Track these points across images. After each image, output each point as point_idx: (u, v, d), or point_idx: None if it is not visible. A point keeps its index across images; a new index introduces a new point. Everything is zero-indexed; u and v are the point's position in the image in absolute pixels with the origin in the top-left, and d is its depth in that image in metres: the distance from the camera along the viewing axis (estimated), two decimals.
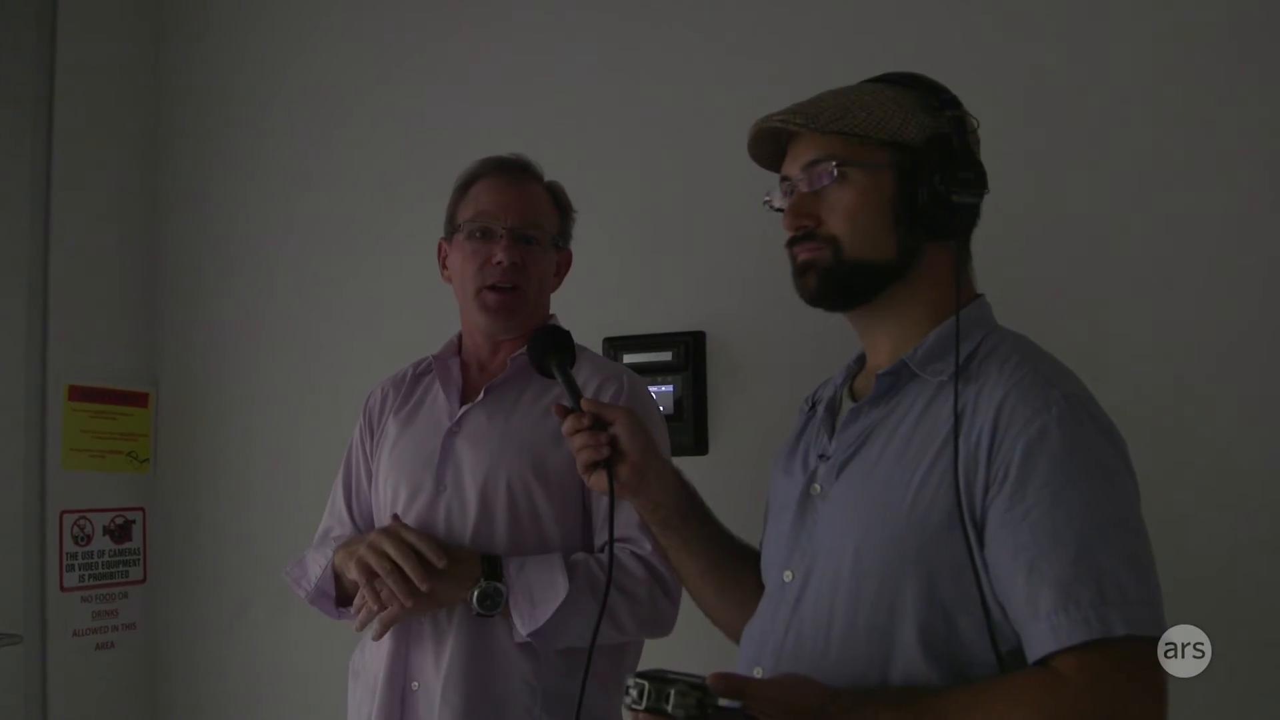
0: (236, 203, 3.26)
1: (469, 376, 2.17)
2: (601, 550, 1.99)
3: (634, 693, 1.28)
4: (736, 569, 1.68)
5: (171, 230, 3.32)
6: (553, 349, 1.73)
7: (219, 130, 3.30)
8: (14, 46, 2.95)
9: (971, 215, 1.48)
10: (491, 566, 1.93)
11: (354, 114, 3.14)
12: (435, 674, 1.98)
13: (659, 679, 1.28)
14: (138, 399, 3.23)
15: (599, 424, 1.60)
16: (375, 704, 2.03)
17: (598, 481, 1.61)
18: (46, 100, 3.02)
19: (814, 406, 1.62)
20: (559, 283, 2.19)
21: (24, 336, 2.94)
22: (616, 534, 1.91)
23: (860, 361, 1.60)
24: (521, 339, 2.09)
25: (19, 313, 2.93)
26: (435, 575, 1.91)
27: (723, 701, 1.27)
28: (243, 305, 3.23)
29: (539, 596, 1.89)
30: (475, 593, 1.91)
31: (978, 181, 1.45)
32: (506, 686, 1.97)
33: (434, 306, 2.94)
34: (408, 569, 1.90)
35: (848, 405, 1.55)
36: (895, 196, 1.47)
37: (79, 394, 3.06)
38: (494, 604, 1.91)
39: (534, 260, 2.09)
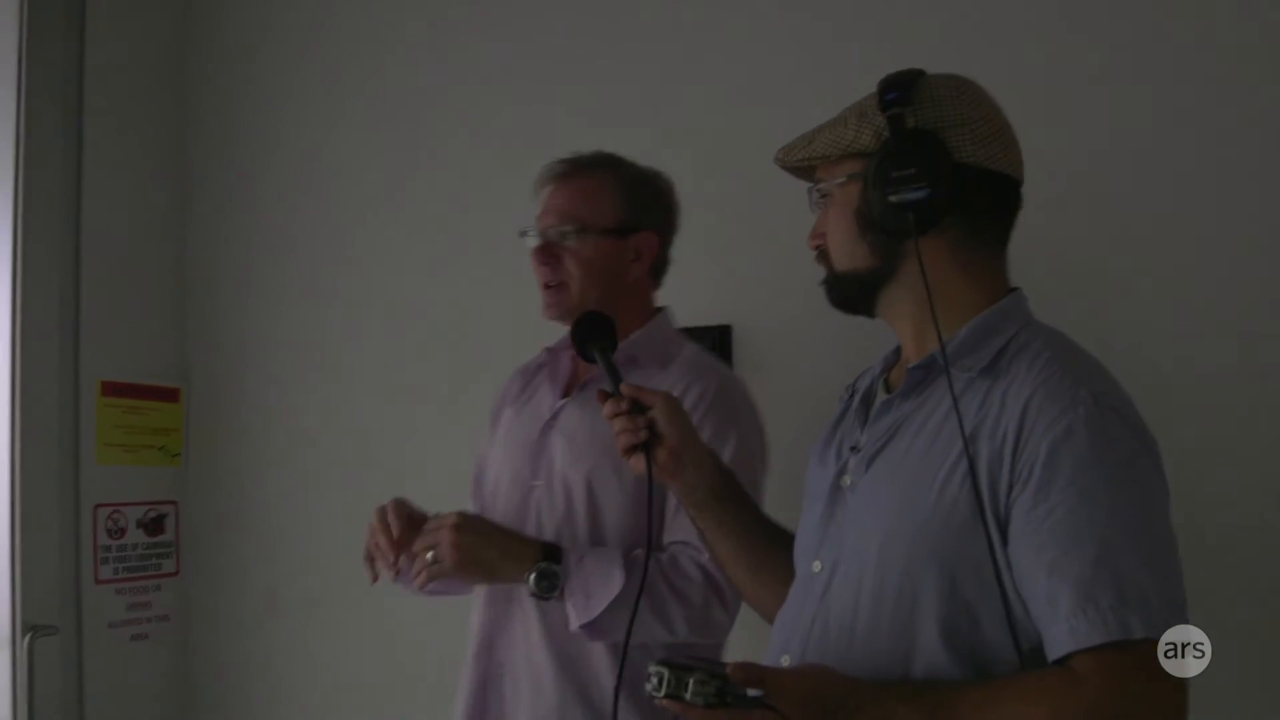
0: (266, 201, 3.28)
1: (578, 370, 2.19)
2: (665, 549, 1.99)
3: (654, 680, 1.29)
4: (770, 552, 1.69)
5: (201, 228, 3.34)
6: (593, 335, 1.78)
7: (248, 127, 3.32)
8: (46, 47, 2.97)
9: (936, 209, 1.44)
10: (551, 552, 1.95)
11: (398, 104, 3.13)
12: (522, 653, 2.03)
13: (679, 666, 1.29)
14: (169, 394, 3.25)
15: (637, 408, 1.64)
16: (466, 674, 2.09)
17: (636, 464, 1.64)
18: (76, 98, 3.05)
19: (852, 396, 1.64)
20: (643, 267, 2.14)
21: (57, 334, 2.97)
22: (679, 537, 1.96)
23: (899, 352, 1.61)
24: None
25: (52, 311, 2.95)
26: (472, 559, 1.95)
27: (746, 691, 1.29)
28: (272, 301, 3.26)
29: (594, 589, 1.91)
30: (533, 574, 1.93)
31: (921, 175, 1.43)
32: (591, 670, 2.00)
33: (471, 303, 2.98)
34: (379, 542, 2.02)
35: (882, 397, 1.56)
36: (860, 206, 1.49)
37: (111, 390, 3.09)
38: (551, 586, 1.93)
39: (570, 254, 2.09)
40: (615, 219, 2.10)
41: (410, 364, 3.05)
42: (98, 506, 3.04)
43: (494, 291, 2.94)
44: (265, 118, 3.30)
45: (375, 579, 2.07)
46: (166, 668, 3.20)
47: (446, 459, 2.94)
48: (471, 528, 1.97)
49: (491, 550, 1.96)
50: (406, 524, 2.03)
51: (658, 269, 2.19)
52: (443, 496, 2.93)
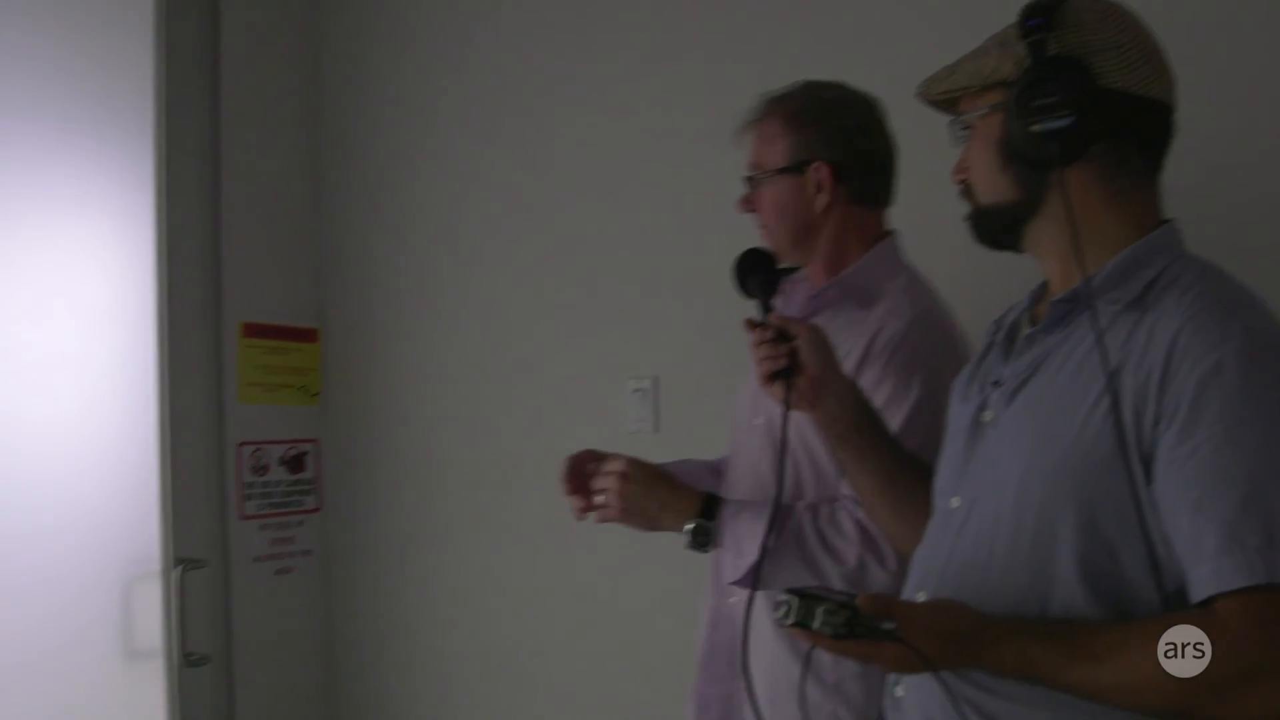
0: (399, 144, 3.32)
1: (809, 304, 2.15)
2: (835, 501, 1.96)
3: (783, 608, 1.29)
4: (912, 487, 1.68)
5: (336, 174, 3.40)
6: (751, 270, 1.88)
7: (381, 68, 3.36)
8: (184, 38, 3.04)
9: (1081, 138, 1.40)
10: (709, 505, 1.96)
11: (531, 39, 3.13)
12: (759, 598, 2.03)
13: (808, 596, 1.29)
14: (307, 335, 3.33)
15: (782, 337, 1.66)
16: (704, 618, 2.11)
17: (775, 392, 1.66)
18: (212, 56, 3.13)
19: (998, 331, 1.60)
20: (829, 198, 2.05)
21: (200, 279, 3.06)
22: (851, 491, 1.90)
23: (1045, 286, 1.57)
24: (824, 273, 2.08)
25: (195, 257, 3.04)
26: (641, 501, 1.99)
27: (876, 623, 1.28)
28: (405, 242, 3.30)
29: (745, 545, 1.90)
30: (689, 528, 1.95)
31: (1064, 103, 1.38)
32: None
33: (608, 239, 2.98)
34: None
35: (1026, 331, 1.52)
36: (1002, 137, 1.46)
37: (252, 331, 3.18)
38: (705, 541, 1.94)
39: (758, 199, 2.08)
40: (787, 157, 2.05)
41: (546, 303, 3.07)
42: (241, 444, 3.13)
43: (632, 225, 2.95)
44: (398, 57, 3.33)
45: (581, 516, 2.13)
46: (310, 600, 3.30)
47: (585, 397, 2.98)
48: (638, 477, 1.99)
49: (653, 502, 1.98)
50: (577, 467, 2.10)
51: (858, 194, 2.07)
52: (581, 433, 2.97)
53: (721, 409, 2.72)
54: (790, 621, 1.29)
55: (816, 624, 1.27)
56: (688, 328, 2.83)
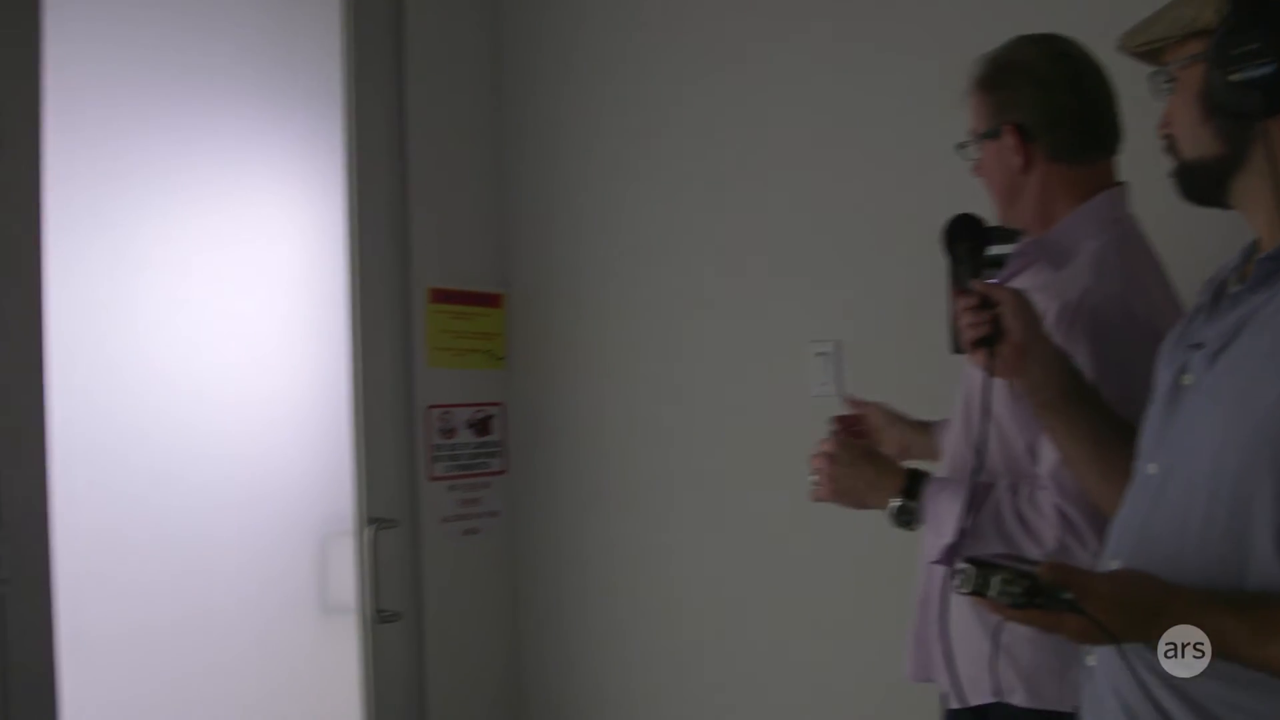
0: (578, 108, 3.34)
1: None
2: (1034, 480, 1.90)
3: (960, 576, 1.29)
4: (1122, 453, 1.61)
5: (519, 143, 3.43)
6: (958, 236, 1.88)
7: (570, 36, 3.37)
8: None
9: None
10: (912, 484, 1.94)
11: (734, 15, 3.09)
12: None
13: (986, 565, 1.28)
14: (492, 300, 3.38)
15: (986, 303, 1.65)
16: (919, 585, 2.11)
17: (979, 358, 1.66)
18: (398, 26, 3.18)
19: (1207, 291, 1.54)
20: (1021, 159, 2.00)
21: (389, 244, 3.13)
22: (1049, 471, 1.87)
23: (1256, 244, 1.49)
24: (1035, 233, 2.04)
25: (383, 223, 3.11)
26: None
27: (1056, 593, 1.26)
28: (586, 207, 3.32)
29: (944, 525, 1.88)
30: (892, 506, 1.94)
31: (1267, 50, 1.30)
32: None
33: (783, 212, 2.96)
34: None
35: (1234, 289, 1.46)
36: (1203, 89, 1.39)
37: (439, 296, 3.23)
38: (906, 520, 1.93)
39: (978, 169, 2.06)
40: (985, 122, 2.03)
41: (729, 267, 3.06)
42: (430, 408, 3.19)
43: (815, 188, 2.92)
44: (580, 23, 3.34)
45: None
46: (496, 561, 3.36)
47: (767, 360, 2.96)
48: (844, 458, 2.00)
49: (859, 482, 1.99)
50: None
51: (1054, 151, 2.00)
52: (763, 396, 2.96)
53: (904, 372, 2.68)
54: (966, 590, 1.28)
55: (992, 592, 1.26)
56: (870, 292, 2.80)
